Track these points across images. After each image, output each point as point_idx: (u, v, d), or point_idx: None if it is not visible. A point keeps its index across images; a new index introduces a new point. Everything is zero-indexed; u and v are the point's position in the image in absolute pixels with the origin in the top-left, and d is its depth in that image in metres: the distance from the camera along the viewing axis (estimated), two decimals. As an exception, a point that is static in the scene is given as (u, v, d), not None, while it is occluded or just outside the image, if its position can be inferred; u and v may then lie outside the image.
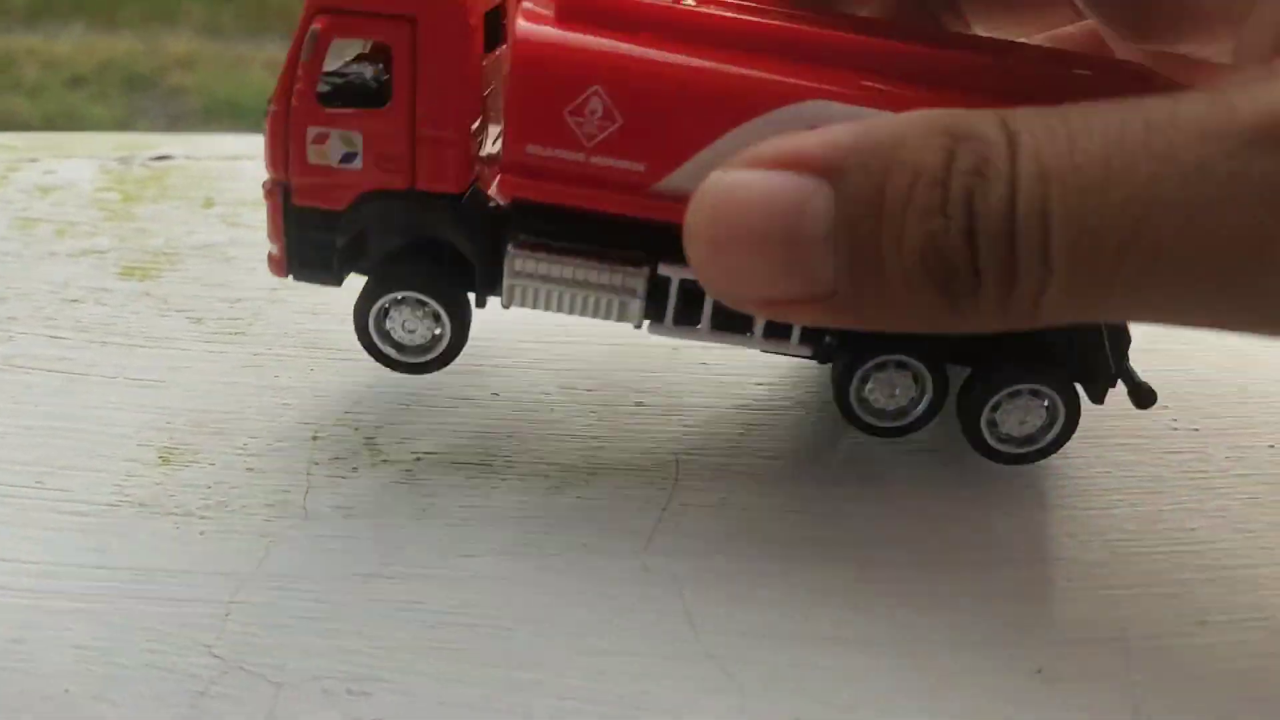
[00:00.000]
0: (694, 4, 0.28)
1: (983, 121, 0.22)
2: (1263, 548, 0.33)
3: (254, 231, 0.49)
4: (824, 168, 0.22)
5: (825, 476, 0.36)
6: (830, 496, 0.35)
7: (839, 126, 0.23)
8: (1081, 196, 0.20)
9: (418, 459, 0.37)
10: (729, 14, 0.27)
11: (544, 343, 0.42)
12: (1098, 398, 0.32)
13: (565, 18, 0.26)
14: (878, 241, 0.22)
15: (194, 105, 2.56)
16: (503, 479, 0.36)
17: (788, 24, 0.27)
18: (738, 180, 0.23)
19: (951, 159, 0.21)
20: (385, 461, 0.37)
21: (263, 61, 2.68)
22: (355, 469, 0.37)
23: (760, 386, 0.40)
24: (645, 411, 0.38)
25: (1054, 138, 0.21)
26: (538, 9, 0.27)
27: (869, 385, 0.32)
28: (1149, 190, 0.20)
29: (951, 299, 0.22)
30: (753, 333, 0.31)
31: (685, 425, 0.38)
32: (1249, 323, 0.22)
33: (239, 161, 0.54)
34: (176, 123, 2.51)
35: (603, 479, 0.36)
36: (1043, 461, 0.34)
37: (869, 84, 0.26)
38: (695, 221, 0.24)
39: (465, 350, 0.36)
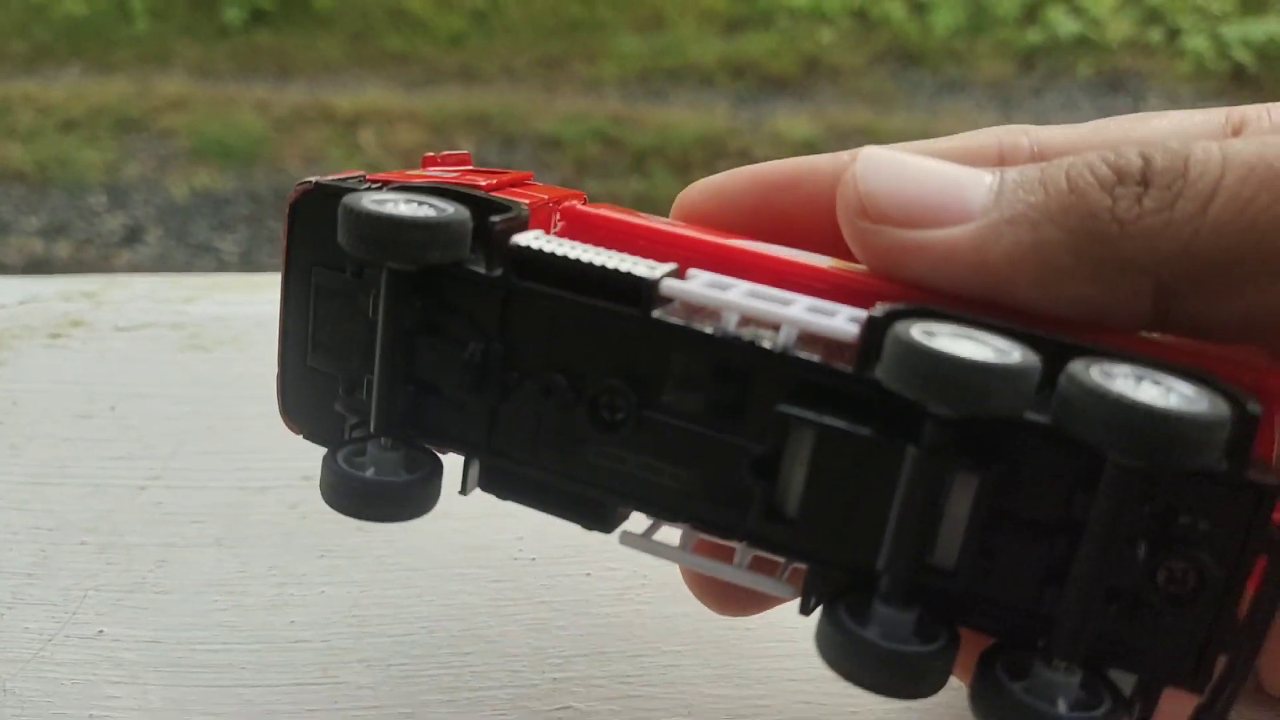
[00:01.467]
0: None
1: None
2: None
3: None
4: None
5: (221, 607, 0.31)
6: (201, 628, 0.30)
7: None
8: None
9: None
10: None
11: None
12: None
13: None
14: None
15: (183, 146, 2.62)
16: None
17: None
18: None
19: None
20: None
21: (253, 102, 2.75)
22: None
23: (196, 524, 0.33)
24: (85, 548, 0.33)
25: None
26: None
27: None
28: None
29: None
30: None
31: (109, 561, 0.32)
32: None
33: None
34: (166, 163, 2.57)
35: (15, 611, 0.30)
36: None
37: None
38: None
39: None
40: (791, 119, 2.69)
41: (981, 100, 2.76)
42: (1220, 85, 2.73)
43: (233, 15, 3.04)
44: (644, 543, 0.22)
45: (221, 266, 2.18)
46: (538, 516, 0.23)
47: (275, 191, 2.42)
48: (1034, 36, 2.91)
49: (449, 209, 0.21)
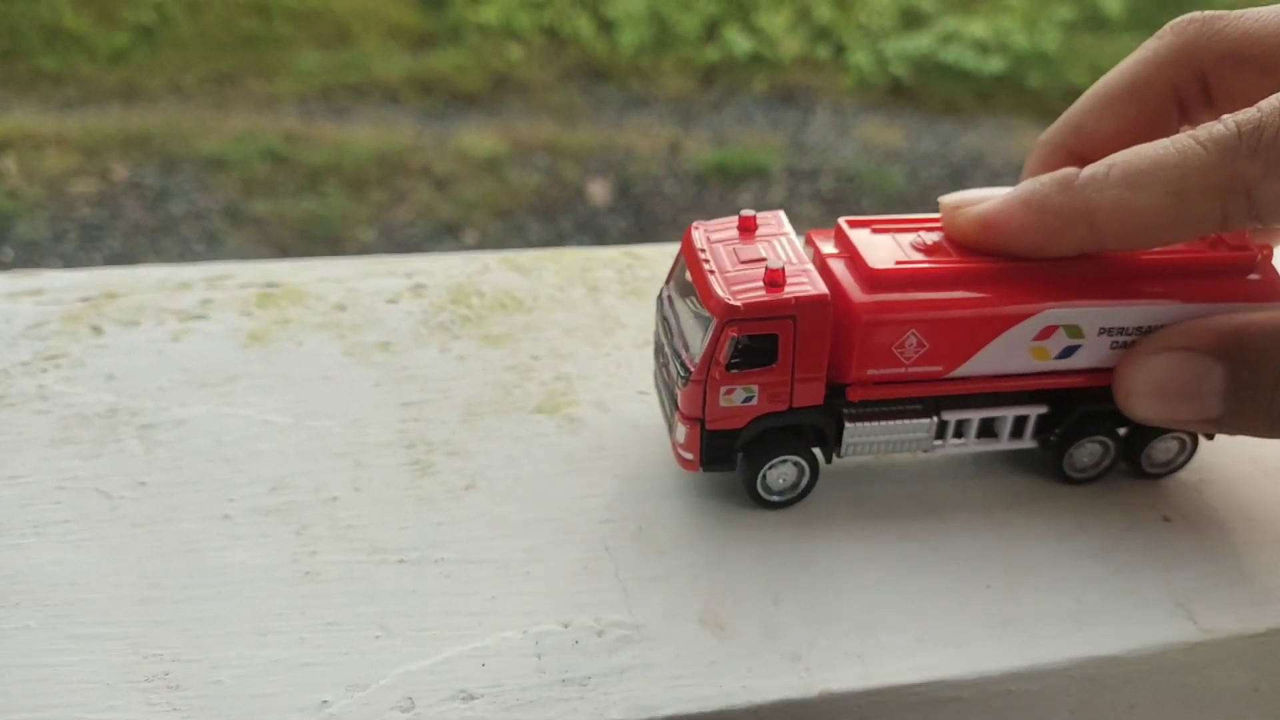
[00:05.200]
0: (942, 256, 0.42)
1: None
2: None
3: None
4: (1218, 351, 0.39)
5: None
6: None
7: (1220, 320, 0.40)
8: None
9: None
10: (977, 262, 0.41)
11: None
12: (1210, 438, 0.46)
13: (873, 286, 0.40)
14: (1255, 402, 0.39)
15: None
16: None
17: (1013, 261, 0.41)
18: (1162, 361, 0.40)
19: None
20: None
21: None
22: None
23: None
24: None
25: None
26: (849, 280, 0.41)
27: (1078, 454, 0.44)
28: None
29: None
30: (999, 439, 0.44)
31: None
32: None
33: None
34: None
35: None
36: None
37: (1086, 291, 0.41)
38: (1136, 385, 0.41)
39: None
40: (478, 135, 2.65)
41: (664, 114, 2.80)
42: (880, 97, 2.86)
43: None
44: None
45: None
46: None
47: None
48: (713, 54, 2.98)
49: None
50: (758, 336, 0.39)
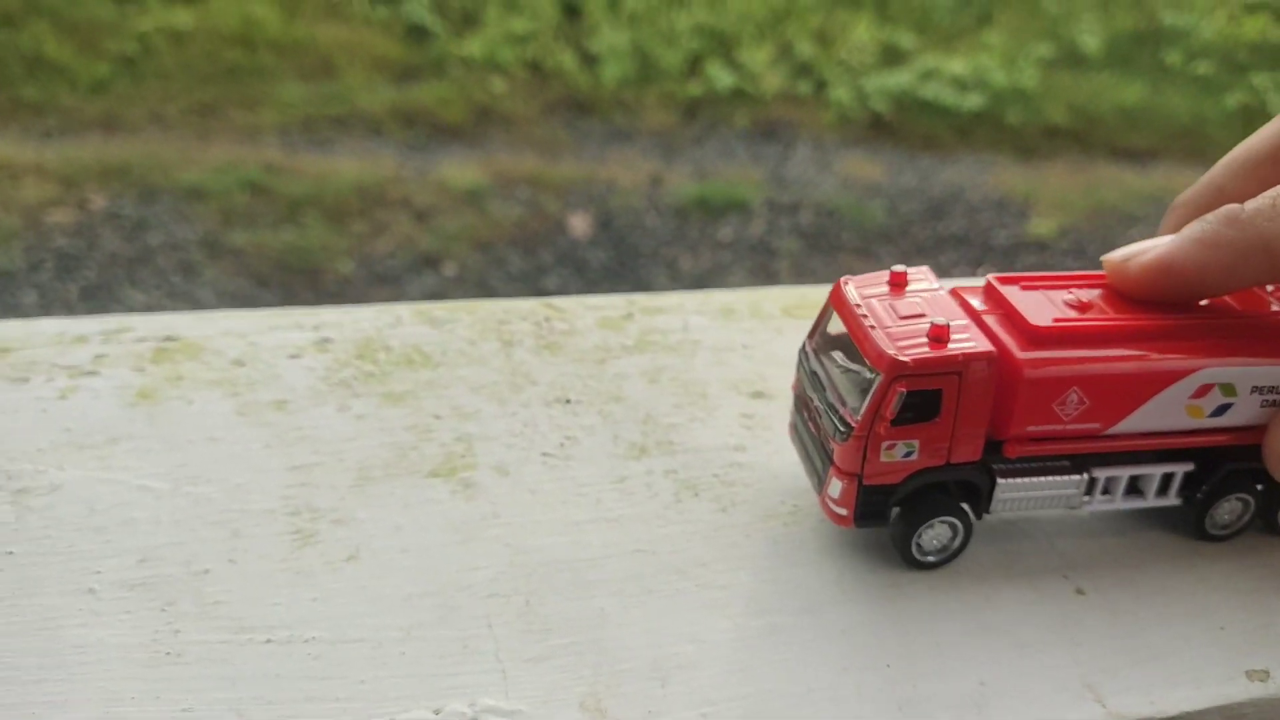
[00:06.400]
0: (1100, 312, 0.41)
1: None
2: None
3: None
4: None
5: None
6: None
7: None
8: None
9: None
10: (1133, 319, 0.41)
11: None
12: None
13: (1034, 343, 0.40)
14: None
15: None
16: None
17: (1167, 319, 0.41)
18: None
19: None
20: None
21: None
22: None
23: None
24: None
25: None
26: (1008, 337, 0.41)
27: (1219, 511, 0.45)
28: None
29: None
30: (1146, 498, 0.44)
31: None
32: None
33: None
34: None
35: None
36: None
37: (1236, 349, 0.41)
38: None
39: None
40: (460, 167, 2.65)
41: (647, 148, 2.80)
42: (860, 133, 2.87)
43: None
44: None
45: None
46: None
47: None
48: (695, 89, 2.99)
49: None
50: (923, 392, 0.39)
